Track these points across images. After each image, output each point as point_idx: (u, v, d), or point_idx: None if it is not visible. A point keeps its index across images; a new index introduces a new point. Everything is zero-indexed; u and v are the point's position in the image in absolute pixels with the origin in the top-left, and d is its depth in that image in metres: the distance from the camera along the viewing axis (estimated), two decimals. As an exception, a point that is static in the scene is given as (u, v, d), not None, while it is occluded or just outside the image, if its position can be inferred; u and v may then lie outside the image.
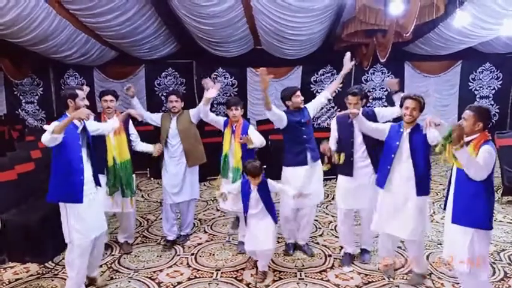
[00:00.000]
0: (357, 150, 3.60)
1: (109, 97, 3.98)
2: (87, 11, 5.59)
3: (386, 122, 3.62)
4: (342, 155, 3.58)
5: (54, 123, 2.91)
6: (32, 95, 9.07)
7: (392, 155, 3.23)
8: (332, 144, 3.70)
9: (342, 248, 4.02)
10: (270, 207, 3.48)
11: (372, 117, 3.60)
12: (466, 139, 2.69)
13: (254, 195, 3.43)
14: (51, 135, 2.84)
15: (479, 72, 8.87)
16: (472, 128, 2.70)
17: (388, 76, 8.95)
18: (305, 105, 3.93)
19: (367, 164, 3.59)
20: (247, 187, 3.46)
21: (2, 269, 3.79)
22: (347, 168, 3.63)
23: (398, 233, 3.29)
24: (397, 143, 3.23)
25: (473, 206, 2.68)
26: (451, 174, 2.87)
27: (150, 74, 8.93)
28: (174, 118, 4.20)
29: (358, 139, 3.59)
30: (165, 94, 8.23)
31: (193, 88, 8.89)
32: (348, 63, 3.92)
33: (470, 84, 8.92)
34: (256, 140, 3.82)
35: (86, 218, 3.13)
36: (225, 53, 7.80)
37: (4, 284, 3.51)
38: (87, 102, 3.26)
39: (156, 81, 9.02)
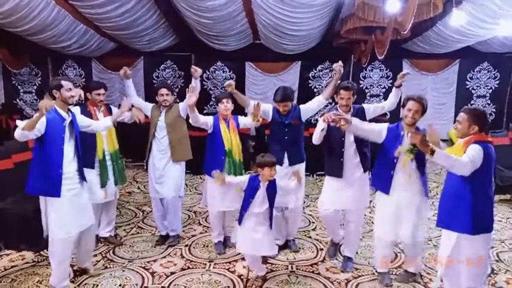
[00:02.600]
0: (348, 149, 3.44)
1: (102, 91, 3.94)
2: (86, 2, 5.59)
3: (373, 118, 3.58)
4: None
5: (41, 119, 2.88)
6: (30, 84, 9.06)
7: (395, 160, 3.10)
8: (315, 138, 3.39)
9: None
10: (272, 211, 3.31)
11: (361, 114, 3.50)
12: (460, 141, 2.71)
13: (261, 192, 3.21)
14: (22, 131, 2.81)
15: (477, 71, 8.88)
16: (466, 131, 2.66)
17: (386, 73, 8.98)
18: (299, 106, 3.87)
19: (357, 163, 3.46)
20: (256, 183, 3.23)
21: (-2, 257, 3.85)
22: (336, 169, 3.47)
23: (403, 238, 3.20)
24: (399, 146, 3.08)
25: (456, 209, 2.65)
26: None
27: (148, 66, 8.92)
28: (163, 111, 4.06)
29: (350, 138, 3.42)
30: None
31: (191, 81, 8.86)
32: (337, 70, 3.63)
33: (467, 83, 8.95)
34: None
35: (66, 213, 3.05)
36: (223, 46, 7.81)
37: (0, 271, 3.57)
38: (73, 93, 3.16)
39: (155, 73, 9.01)
